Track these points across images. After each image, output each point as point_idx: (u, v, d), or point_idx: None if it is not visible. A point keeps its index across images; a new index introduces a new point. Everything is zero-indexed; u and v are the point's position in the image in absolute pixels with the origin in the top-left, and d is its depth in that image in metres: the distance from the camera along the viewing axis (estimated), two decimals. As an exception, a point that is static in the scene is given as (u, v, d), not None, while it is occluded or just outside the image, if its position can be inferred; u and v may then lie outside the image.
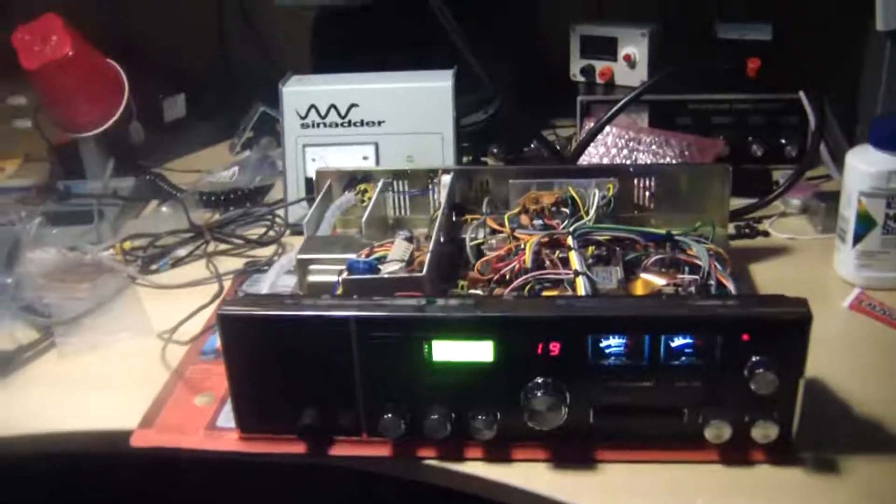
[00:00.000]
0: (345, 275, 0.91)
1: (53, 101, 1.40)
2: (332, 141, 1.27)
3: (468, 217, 1.10)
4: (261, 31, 1.85)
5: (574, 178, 1.09)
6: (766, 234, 1.22)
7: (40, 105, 1.43)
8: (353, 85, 1.27)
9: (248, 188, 1.44)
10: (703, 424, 0.77)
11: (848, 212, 1.05)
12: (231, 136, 1.67)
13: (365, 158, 1.26)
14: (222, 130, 1.70)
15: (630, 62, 1.53)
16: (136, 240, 1.25)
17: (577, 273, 0.92)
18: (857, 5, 1.29)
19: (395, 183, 1.15)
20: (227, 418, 0.86)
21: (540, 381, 0.77)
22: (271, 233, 1.29)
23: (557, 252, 0.98)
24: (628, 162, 1.36)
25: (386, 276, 0.91)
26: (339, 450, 0.82)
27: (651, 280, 0.94)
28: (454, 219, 1.09)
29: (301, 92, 1.28)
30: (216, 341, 0.96)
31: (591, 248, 1.01)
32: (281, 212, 1.31)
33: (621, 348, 0.76)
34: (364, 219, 1.05)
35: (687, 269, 0.97)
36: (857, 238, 1.04)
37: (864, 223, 1.04)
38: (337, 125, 1.27)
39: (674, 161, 1.34)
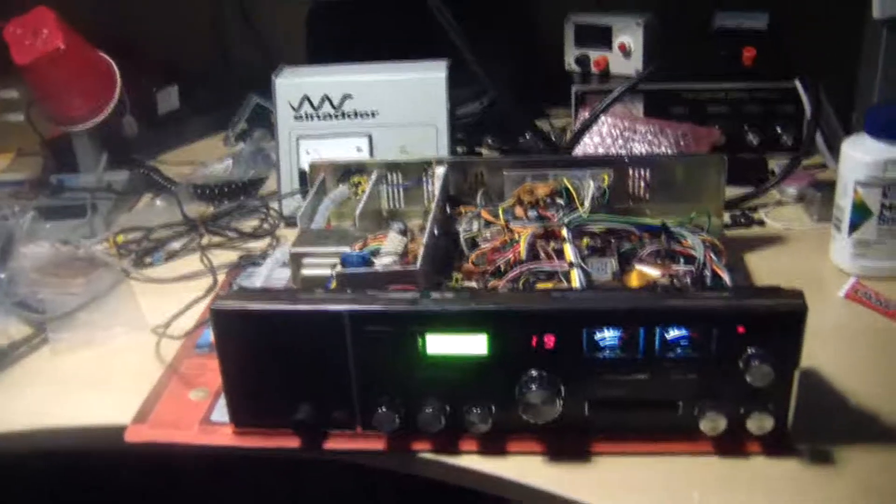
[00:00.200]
0: (339, 268, 0.90)
1: (46, 94, 1.40)
2: (325, 133, 1.27)
3: (463, 209, 1.09)
4: (255, 23, 1.84)
5: (569, 170, 1.09)
6: (761, 223, 1.22)
7: (33, 99, 1.42)
8: (347, 76, 1.27)
9: (242, 181, 1.44)
10: (698, 417, 0.77)
11: (843, 201, 1.05)
12: (225, 128, 1.66)
13: (359, 150, 1.26)
14: (216, 123, 1.69)
15: (625, 51, 1.52)
16: (129, 233, 1.25)
17: (571, 265, 0.92)
18: (854, -7, 1.29)
19: (389, 175, 1.15)
20: (221, 413, 0.86)
21: (535, 374, 0.76)
22: (265, 225, 1.29)
23: (552, 244, 0.97)
24: (623, 152, 1.35)
25: (380, 269, 0.90)
26: (334, 444, 0.82)
27: (646, 271, 0.94)
28: (448, 211, 1.09)
29: (294, 83, 1.27)
30: (210, 335, 0.96)
31: (585, 240, 1.00)
32: (275, 204, 1.31)
33: (616, 341, 0.76)
34: (358, 211, 1.04)
35: (682, 260, 0.97)
36: (853, 227, 1.04)
37: (860, 212, 1.03)
38: (330, 117, 1.27)
39: (669, 151, 1.34)
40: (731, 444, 0.78)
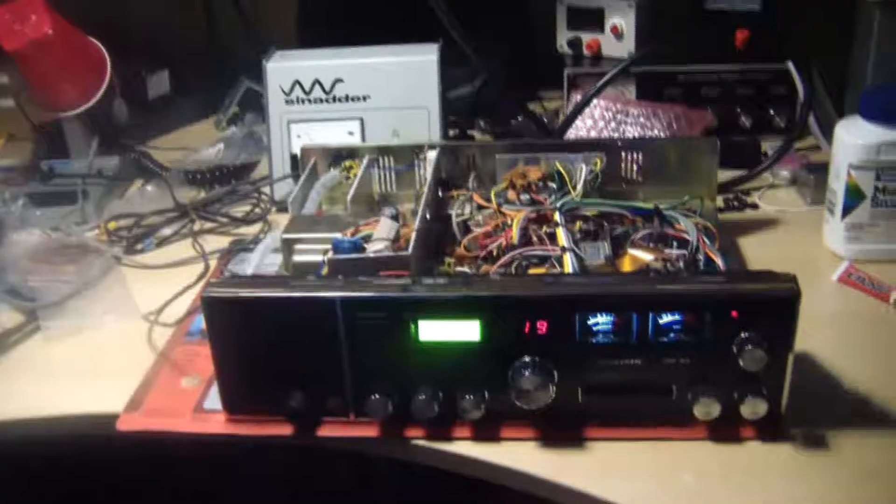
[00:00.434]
0: (330, 254, 0.90)
1: (35, 80, 1.39)
2: (316, 117, 1.26)
3: (454, 193, 1.09)
4: (246, 6, 1.83)
5: (561, 153, 1.09)
6: (754, 206, 1.22)
7: (23, 84, 1.41)
8: (338, 60, 1.26)
9: (233, 165, 1.43)
10: (692, 402, 0.76)
11: (837, 184, 1.04)
12: (216, 112, 1.65)
13: (350, 134, 1.25)
14: (207, 107, 1.68)
15: (617, 34, 1.52)
16: (120, 220, 1.25)
17: (564, 249, 0.91)
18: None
19: (380, 159, 1.14)
20: (214, 400, 0.85)
21: (527, 360, 0.76)
22: (257, 210, 1.28)
23: (545, 227, 0.97)
24: (616, 135, 1.35)
25: (372, 255, 0.90)
26: (327, 431, 0.82)
27: (639, 255, 0.94)
28: (440, 195, 1.09)
29: (285, 68, 1.26)
30: (202, 322, 0.96)
31: (578, 224, 1.00)
32: (266, 189, 1.31)
33: (609, 326, 0.76)
34: (350, 196, 1.04)
35: (675, 243, 0.97)
36: (846, 211, 1.04)
37: (853, 196, 1.03)
38: (321, 101, 1.26)
39: (662, 133, 1.33)
40: (725, 429, 0.78)
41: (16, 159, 1.45)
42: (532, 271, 0.91)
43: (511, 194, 1.06)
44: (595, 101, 1.35)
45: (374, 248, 0.91)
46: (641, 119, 1.35)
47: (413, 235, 0.91)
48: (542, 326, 0.76)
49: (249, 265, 1.02)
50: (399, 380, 0.79)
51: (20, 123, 1.47)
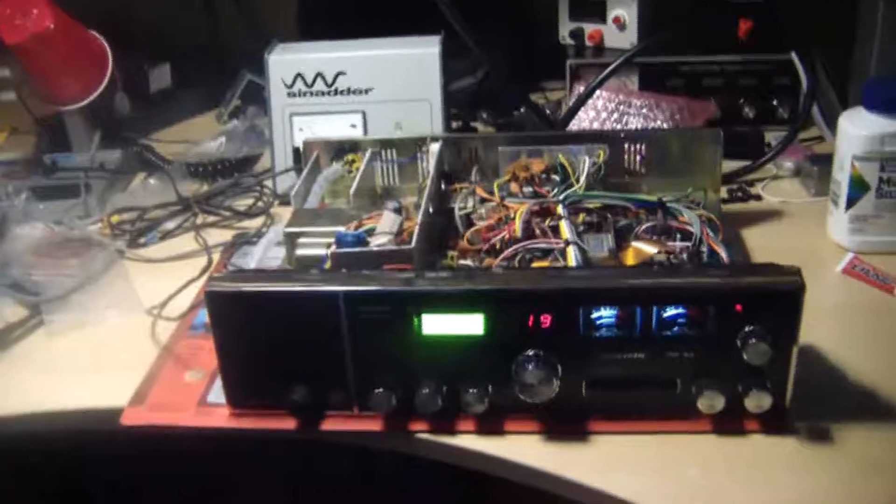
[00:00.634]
0: (333, 248, 0.90)
1: (37, 74, 1.39)
2: (319, 110, 1.26)
3: (457, 186, 1.09)
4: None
5: (564, 145, 1.08)
6: (758, 197, 1.21)
7: (24, 78, 1.41)
8: (340, 52, 1.26)
9: (235, 158, 1.43)
10: (696, 395, 0.76)
11: (841, 176, 1.04)
12: (218, 105, 1.65)
13: (353, 126, 1.25)
14: (209, 100, 1.68)
15: (620, 24, 1.51)
16: (123, 213, 1.24)
17: (567, 242, 0.91)
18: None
19: (383, 152, 1.14)
20: (218, 394, 0.85)
21: (531, 353, 0.76)
22: (260, 203, 1.28)
23: (548, 220, 0.97)
24: (619, 126, 1.35)
25: (375, 248, 0.90)
26: (331, 425, 0.82)
27: (643, 248, 0.94)
28: (443, 187, 1.09)
29: (287, 60, 1.26)
30: (205, 316, 0.95)
31: (581, 216, 1.00)
32: (269, 182, 1.30)
33: (613, 320, 0.76)
34: (352, 189, 1.04)
35: (679, 236, 0.97)
36: (851, 202, 1.04)
37: (858, 187, 1.03)
38: (324, 94, 1.26)
39: (665, 124, 1.33)
40: (730, 422, 0.77)
41: (18, 153, 1.44)
42: (535, 264, 0.91)
43: (514, 187, 1.05)
44: (597, 93, 1.35)
45: (378, 242, 0.91)
46: (644, 110, 1.35)
47: (416, 229, 0.91)
48: (545, 320, 0.75)
49: (252, 259, 1.02)
50: (402, 374, 0.79)
51: (22, 117, 1.47)
